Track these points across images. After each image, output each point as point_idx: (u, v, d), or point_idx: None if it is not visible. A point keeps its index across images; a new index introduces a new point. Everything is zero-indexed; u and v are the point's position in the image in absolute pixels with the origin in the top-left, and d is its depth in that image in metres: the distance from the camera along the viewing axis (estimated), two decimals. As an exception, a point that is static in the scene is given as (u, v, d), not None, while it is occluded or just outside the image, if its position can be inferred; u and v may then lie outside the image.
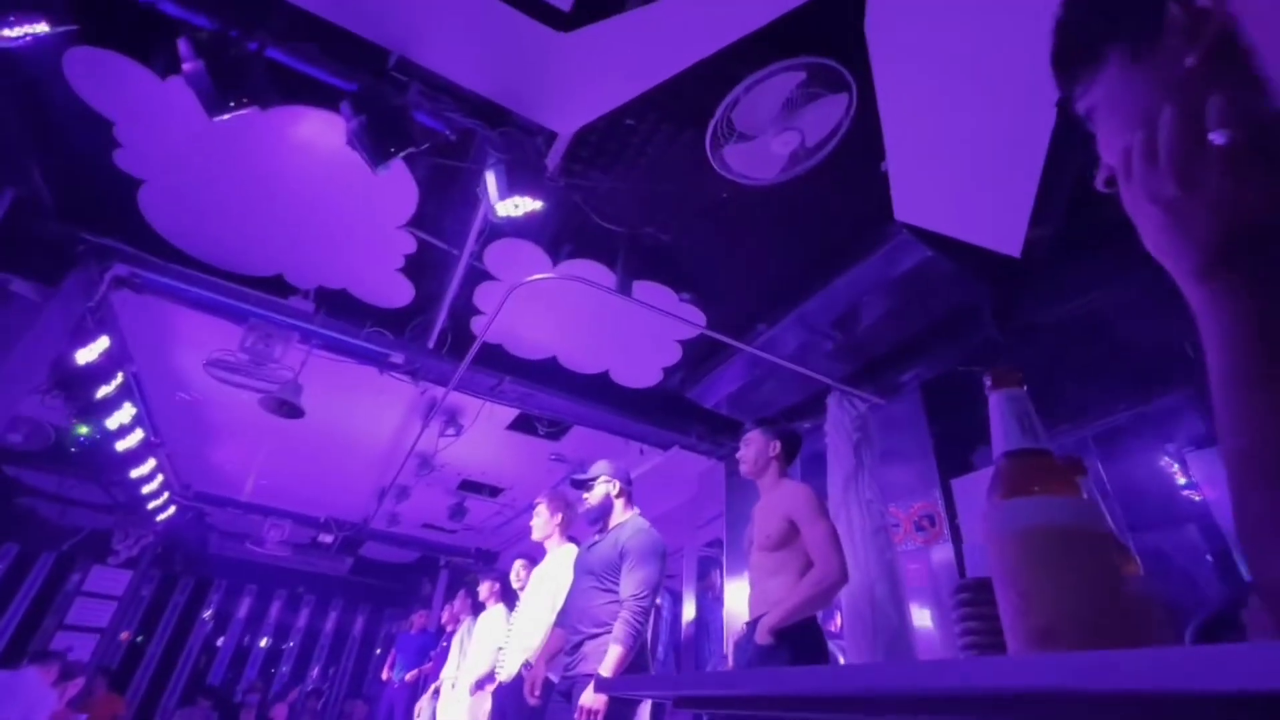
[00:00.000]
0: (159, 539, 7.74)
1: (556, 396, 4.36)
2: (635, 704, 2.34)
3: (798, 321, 3.43)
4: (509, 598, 4.09)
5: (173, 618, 9.01)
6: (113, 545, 7.42)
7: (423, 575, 9.38)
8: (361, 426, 5.31)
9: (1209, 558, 2.47)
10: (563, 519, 3.20)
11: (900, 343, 3.58)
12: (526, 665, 2.93)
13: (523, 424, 5.08)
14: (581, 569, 2.66)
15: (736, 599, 4.26)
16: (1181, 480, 2.74)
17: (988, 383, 0.63)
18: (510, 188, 2.48)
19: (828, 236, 3.08)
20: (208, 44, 2.04)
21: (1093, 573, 0.52)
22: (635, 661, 2.32)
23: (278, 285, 3.61)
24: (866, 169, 2.57)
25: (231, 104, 2.10)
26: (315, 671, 9.86)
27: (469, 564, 8.51)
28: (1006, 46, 2.04)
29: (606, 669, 2.22)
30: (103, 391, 4.17)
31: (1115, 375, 3.05)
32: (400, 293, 3.67)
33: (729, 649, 4.00)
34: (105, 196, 3.04)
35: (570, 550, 3.08)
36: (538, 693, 2.61)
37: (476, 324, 3.81)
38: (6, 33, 2.10)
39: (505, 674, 3.09)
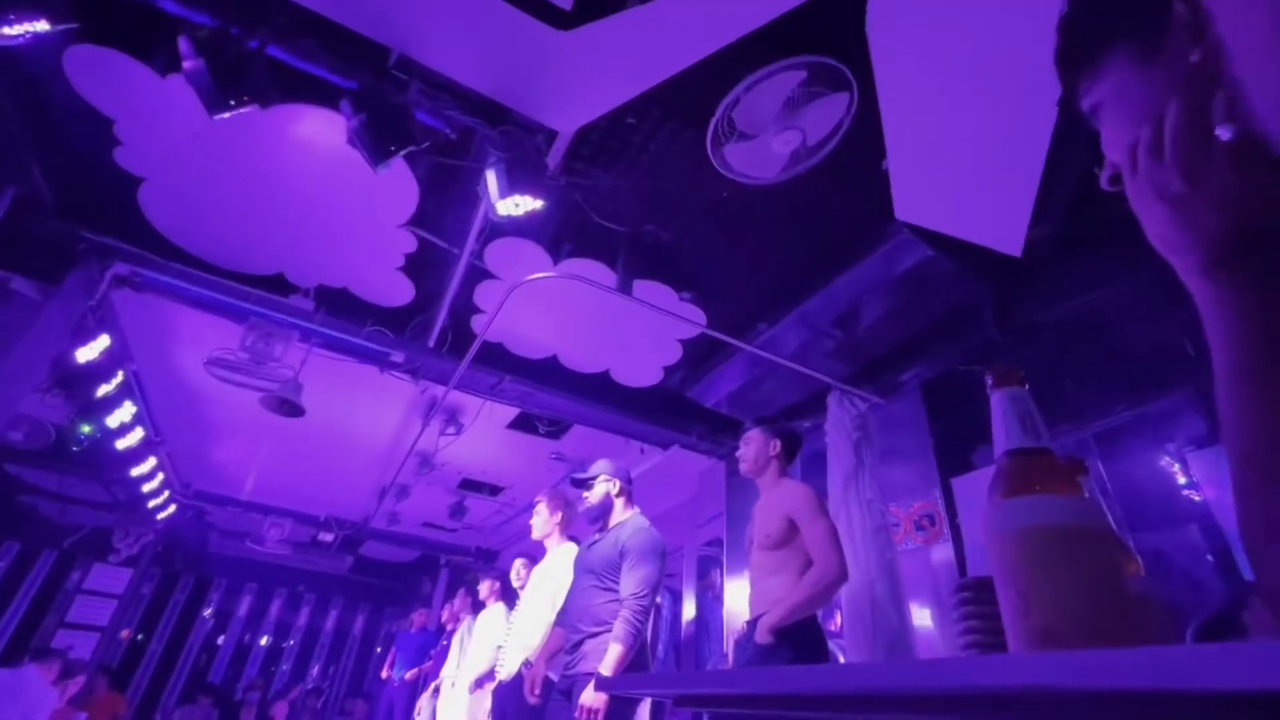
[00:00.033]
0: (159, 537, 7.74)
1: (557, 395, 4.36)
2: (635, 703, 2.34)
3: (798, 320, 3.43)
4: (509, 596, 4.09)
5: (173, 616, 9.02)
6: (113, 543, 7.42)
7: (423, 574, 9.39)
8: (362, 425, 5.31)
9: (1209, 558, 2.47)
10: (562, 518, 3.20)
11: (901, 342, 3.58)
12: (526, 664, 2.94)
13: (523, 423, 5.08)
14: (582, 568, 2.66)
15: (737, 598, 4.26)
16: (1182, 480, 2.74)
17: (989, 381, 0.62)
18: (511, 186, 2.48)
19: (828, 235, 3.08)
20: (208, 42, 2.04)
21: (1094, 572, 0.52)
22: (635, 660, 2.32)
23: (278, 284, 3.61)
24: (867, 168, 2.57)
25: (232, 102, 2.09)
26: (315, 670, 9.87)
27: (469, 563, 8.52)
28: (1007, 45, 2.04)
29: (607, 668, 2.22)
30: (103, 390, 4.17)
31: (1116, 375, 3.04)
32: (401, 291, 3.67)
33: (729, 648, 4.00)
34: (106, 195, 3.04)
35: (570, 549, 3.09)
36: (538, 691, 2.61)
37: (477, 323, 3.81)
38: (7, 30, 2.10)
39: (505, 672, 3.10)
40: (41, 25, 2.15)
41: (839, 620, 3.74)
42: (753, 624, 2.23)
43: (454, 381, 3.96)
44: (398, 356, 3.97)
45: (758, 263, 3.34)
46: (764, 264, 3.34)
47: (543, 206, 2.60)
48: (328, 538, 7.72)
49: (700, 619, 5.45)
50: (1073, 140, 2.26)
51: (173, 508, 6.89)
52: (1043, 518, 0.54)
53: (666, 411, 4.63)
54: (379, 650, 10.03)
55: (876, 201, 2.66)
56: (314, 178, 2.97)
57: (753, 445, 2.52)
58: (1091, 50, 0.52)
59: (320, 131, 2.70)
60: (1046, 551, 0.53)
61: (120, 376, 4.21)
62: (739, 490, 4.58)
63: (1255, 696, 0.30)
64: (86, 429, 4.76)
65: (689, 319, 3.54)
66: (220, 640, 9.42)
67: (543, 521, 3.19)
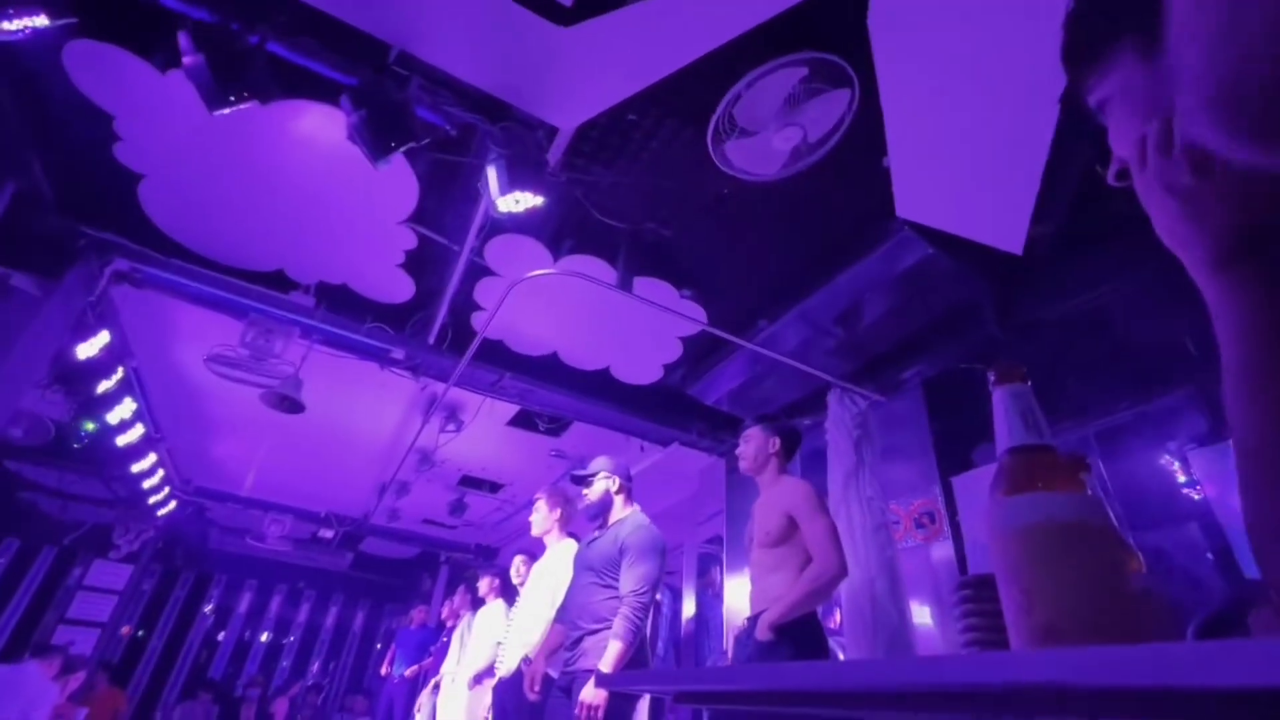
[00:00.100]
0: (160, 534, 7.75)
1: (557, 393, 4.36)
2: (635, 700, 2.34)
3: (799, 318, 3.43)
4: (509, 593, 4.10)
5: (174, 612, 9.04)
6: (114, 540, 7.43)
7: (423, 571, 9.40)
8: (362, 422, 5.32)
9: (1210, 556, 2.46)
10: (561, 514, 3.20)
11: (902, 340, 3.58)
12: (526, 660, 2.94)
13: (523, 420, 5.08)
14: (581, 565, 2.67)
15: (737, 595, 4.27)
16: (1182, 478, 2.74)
17: (992, 378, 0.62)
18: (511, 183, 2.47)
19: (829, 233, 3.08)
20: (208, 37, 2.03)
21: (1096, 570, 0.52)
22: (635, 657, 2.32)
23: (278, 280, 3.60)
24: (868, 165, 2.57)
25: (232, 98, 2.09)
26: (316, 666, 9.90)
27: (469, 559, 8.53)
28: (1010, 42, 2.04)
29: (606, 664, 2.23)
30: (103, 386, 4.17)
31: (1117, 373, 3.04)
32: (401, 288, 3.66)
33: (729, 645, 4.01)
34: (106, 191, 3.04)
35: (570, 546, 3.09)
36: (537, 688, 2.61)
37: (477, 320, 3.80)
38: (6, 25, 2.09)
39: (505, 669, 3.10)
40: (41, 20, 2.14)
41: (839, 618, 3.74)
42: (753, 621, 2.23)
43: (454, 378, 3.96)
44: (398, 353, 3.97)
45: (758, 260, 3.33)
46: (765, 261, 3.33)
47: (543, 203, 2.59)
48: (328, 534, 7.73)
49: (700, 616, 5.46)
50: (1075, 137, 2.26)
51: (173, 504, 6.89)
52: (1045, 515, 0.53)
53: (667, 409, 4.63)
54: (379, 647, 10.05)
55: (878, 199, 2.66)
56: (314, 174, 2.96)
57: (752, 443, 2.52)
58: (1098, 46, 0.52)
59: (320, 127, 2.70)
60: (1049, 549, 0.52)
61: (120, 373, 4.21)
62: (739, 488, 4.58)
63: (1256, 694, 0.30)
64: (90, 426, 4.76)
65: (689, 316, 3.54)
66: (221, 637, 9.44)
67: (542, 518, 3.20)
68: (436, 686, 4.75)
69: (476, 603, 4.71)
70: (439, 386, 4.24)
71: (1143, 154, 0.46)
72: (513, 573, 4.10)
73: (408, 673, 5.81)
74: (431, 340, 3.83)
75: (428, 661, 5.66)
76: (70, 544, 7.58)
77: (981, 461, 3.28)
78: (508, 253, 3.32)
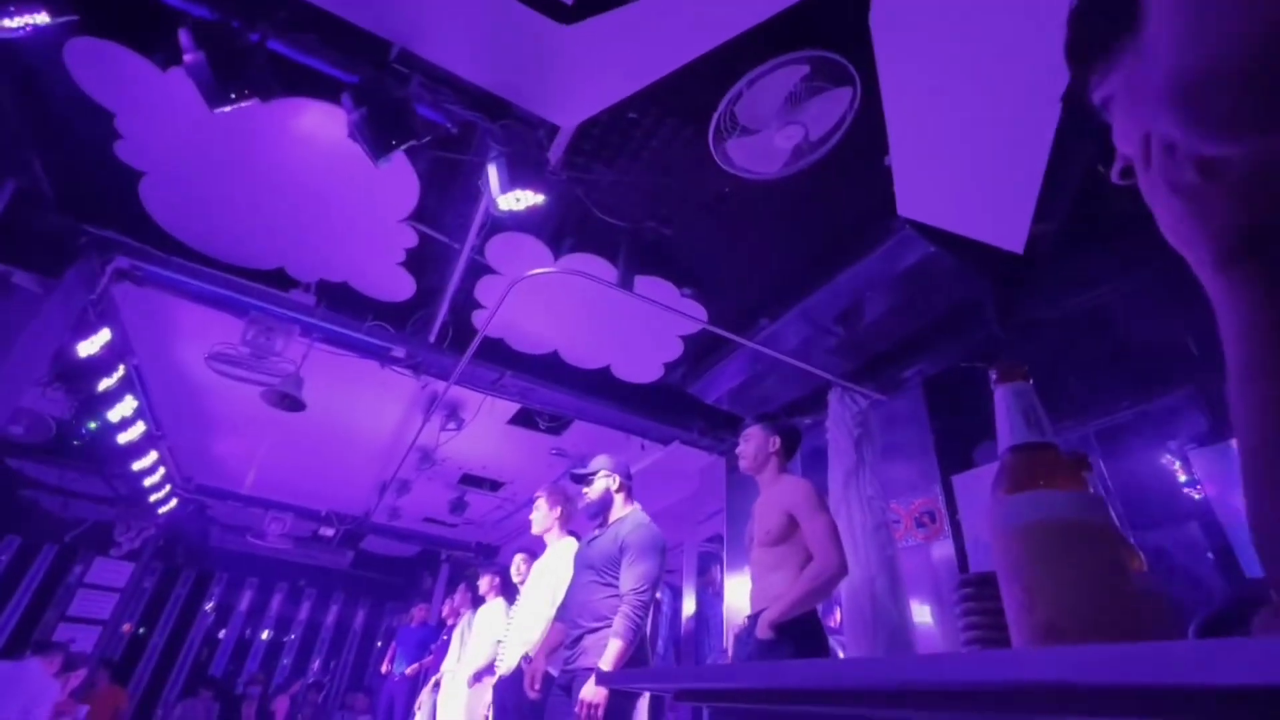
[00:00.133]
0: (161, 531, 7.76)
1: (557, 391, 4.36)
2: (634, 698, 2.34)
3: (800, 317, 3.43)
4: (509, 591, 4.10)
5: (175, 610, 9.06)
6: (114, 537, 7.44)
7: (423, 569, 9.41)
8: (363, 420, 5.32)
9: (1210, 555, 2.46)
10: (561, 512, 3.20)
11: (902, 338, 3.57)
12: (526, 658, 2.94)
13: (524, 419, 5.08)
14: (581, 563, 2.67)
15: (737, 594, 4.27)
16: (1183, 478, 2.74)
17: (994, 376, 0.62)
18: (512, 181, 2.47)
19: (830, 231, 3.07)
20: (209, 35, 2.03)
21: (1098, 568, 0.52)
22: (635, 655, 2.32)
23: (279, 278, 3.61)
24: (870, 164, 2.56)
25: (232, 95, 2.09)
26: (316, 664, 9.91)
27: (470, 558, 8.54)
28: (1012, 41, 2.03)
29: (606, 663, 2.23)
30: (104, 384, 4.17)
31: (1118, 372, 3.04)
32: (402, 286, 3.66)
33: (729, 644, 4.01)
34: (106, 188, 3.04)
35: (570, 544, 3.09)
36: (537, 686, 2.61)
37: (478, 318, 3.80)
38: (7, 23, 2.09)
39: (505, 667, 3.10)
40: (42, 18, 2.14)
41: (839, 616, 3.75)
42: (753, 619, 2.23)
43: (455, 377, 3.96)
44: (399, 351, 3.97)
45: (759, 258, 3.33)
46: (765, 260, 3.33)
47: (544, 201, 2.59)
48: (329, 532, 7.73)
49: (700, 615, 5.47)
50: (1077, 135, 2.25)
51: (174, 502, 6.90)
52: (1047, 513, 0.53)
53: (667, 407, 4.63)
54: (380, 645, 10.06)
55: (879, 197, 2.65)
56: (315, 172, 2.96)
57: (752, 442, 2.52)
58: (1101, 43, 0.52)
59: (321, 125, 2.70)
60: (1050, 547, 0.52)
61: (121, 370, 4.21)
62: (739, 486, 4.58)
63: (1257, 692, 0.30)
64: (93, 425, 4.77)
65: (690, 315, 3.54)
66: (221, 634, 9.45)
67: (542, 516, 3.20)
68: (437, 684, 4.76)
69: (477, 601, 4.71)
70: (440, 385, 4.24)
71: (1147, 152, 0.46)
72: (513, 571, 4.10)
73: (408, 671, 5.82)
74: (432, 338, 3.83)
75: (428, 659, 5.67)
76: (71, 541, 7.60)
77: (982, 461, 3.28)
78: (508, 251, 3.32)
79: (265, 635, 9.78)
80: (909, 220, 2.74)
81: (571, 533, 3.26)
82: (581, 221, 3.12)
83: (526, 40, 2.21)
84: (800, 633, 2.12)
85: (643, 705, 2.42)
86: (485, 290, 3.61)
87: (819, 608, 2.25)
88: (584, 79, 2.35)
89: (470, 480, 6.45)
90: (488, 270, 3.47)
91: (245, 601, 9.76)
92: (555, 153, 2.66)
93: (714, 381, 4.19)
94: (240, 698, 8.22)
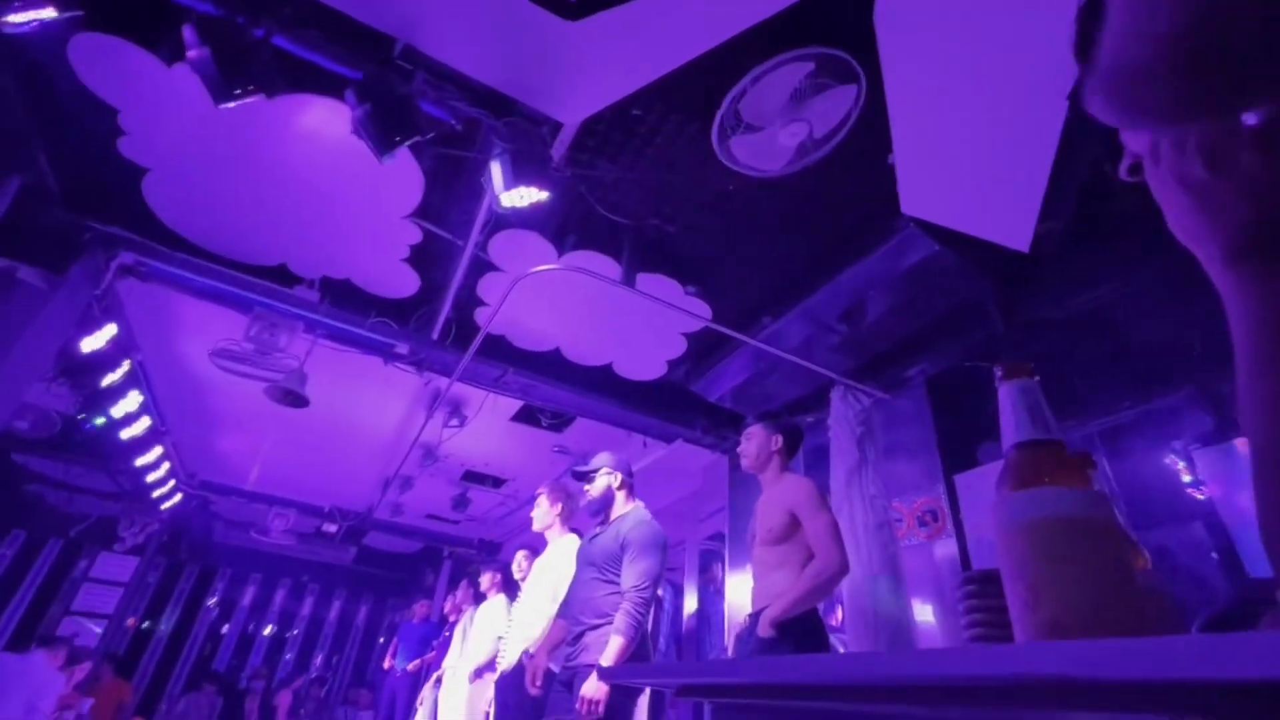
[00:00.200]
0: (165, 526, 7.80)
1: (560, 388, 4.36)
2: (635, 695, 2.35)
3: (803, 315, 3.42)
4: (511, 588, 4.11)
5: (178, 605, 9.10)
6: (119, 532, 7.48)
7: (426, 565, 9.44)
8: (366, 417, 5.33)
9: (1214, 555, 2.46)
10: (563, 509, 3.20)
11: (906, 337, 3.57)
12: (527, 654, 2.95)
13: (526, 415, 5.09)
14: (583, 560, 2.67)
15: (738, 592, 4.27)
16: (1187, 478, 2.73)
17: (999, 374, 0.62)
18: (515, 178, 2.47)
19: (834, 229, 3.07)
20: (213, 31, 2.03)
21: (1102, 566, 0.52)
22: (637, 652, 2.32)
23: (282, 275, 3.61)
24: (874, 162, 2.56)
25: (237, 91, 2.09)
26: (319, 659, 9.94)
27: (472, 554, 8.55)
28: (1017, 38, 2.02)
29: (608, 659, 2.23)
30: (109, 379, 4.19)
31: (1121, 371, 3.03)
32: (405, 283, 3.67)
33: (730, 642, 4.01)
34: (111, 185, 3.05)
35: (572, 541, 3.09)
36: (539, 683, 2.62)
37: (481, 315, 3.81)
38: (12, 18, 2.09)
39: (506, 663, 3.11)
40: (47, 13, 2.14)
41: (840, 615, 3.75)
42: (754, 618, 2.23)
43: (458, 373, 3.97)
44: (402, 348, 3.98)
45: (762, 256, 3.32)
46: (769, 258, 3.32)
47: (547, 198, 2.59)
48: (331, 528, 7.76)
49: (702, 612, 5.47)
50: (1083, 134, 2.24)
51: (178, 497, 6.93)
52: (1052, 509, 0.53)
53: (670, 405, 4.63)
54: (382, 641, 10.09)
55: (883, 195, 2.65)
56: (319, 168, 2.97)
57: (754, 441, 2.52)
58: None
59: (325, 121, 2.70)
60: (1055, 544, 0.52)
61: (126, 366, 4.23)
62: (742, 485, 4.58)
63: (1260, 686, 0.30)
64: (100, 421, 4.78)
65: (693, 312, 3.54)
66: (225, 629, 9.49)
67: (543, 513, 3.20)
68: (439, 680, 4.78)
69: (479, 597, 4.73)
70: (442, 381, 4.25)
71: (1156, 148, 0.46)
72: (515, 568, 4.11)
73: (410, 666, 5.84)
74: (435, 335, 3.83)
75: (430, 655, 5.69)
76: (76, 536, 7.63)
77: (985, 459, 3.27)
78: (512, 248, 3.32)
79: (268, 630, 9.82)
80: (913, 218, 2.73)
81: (573, 530, 3.26)
82: (585, 218, 3.12)
83: (530, 36, 2.21)
84: (801, 631, 2.12)
85: (643, 703, 2.43)
86: (488, 287, 3.61)
87: (820, 606, 2.25)
88: (588, 75, 2.35)
89: (473, 477, 6.46)
90: (491, 267, 3.47)
91: (248, 597, 9.80)
92: (559, 149, 2.66)
93: (717, 379, 4.18)
94: (243, 692, 8.27)
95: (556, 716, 2.43)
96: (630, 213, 3.07)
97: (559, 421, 5.15)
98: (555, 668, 2.63)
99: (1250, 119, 0.40)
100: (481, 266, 3.45)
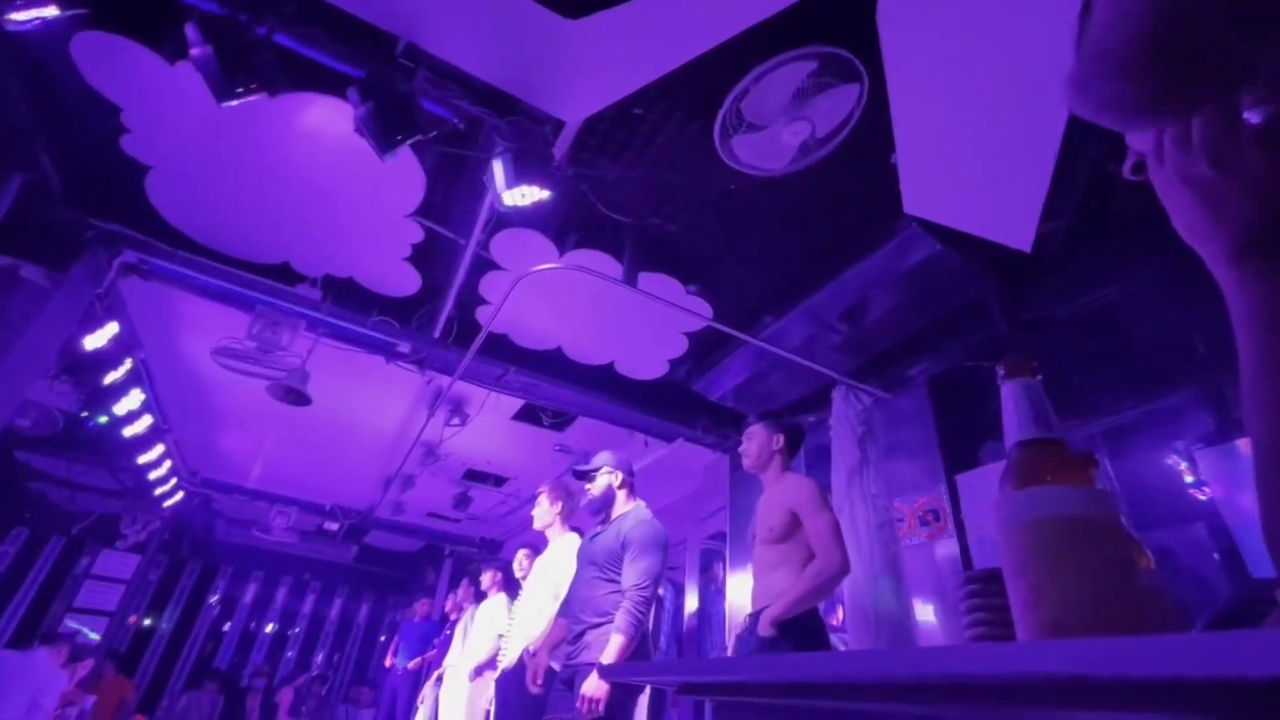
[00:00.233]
0: (166, 524, 7.81)
1: (561, 387, 4.37)
2: (636, 693, 2.35)
3: (805, 314, 3.42)
4: (512, 587, 4.11)
5: (180, 602, 9.12)
6: (121, 530, 7.49)
7: (427, 564, 9.45)
8: (368, 415, 5.34)
9: (1216, 556, 2.45)
10: (563, 508, 3.21)
11: (907, 337, 3.56)
12: (528, 653, 2.96)
13: (528, 414, 5.09)
14: (584, 559, 2.67)
15: (739, 591, 4.27)
16: (1189, 478, 2.72)
17: (1001, 372, 0.62)
18: (517, 177, 2.47)
19: (836, 229, 3.06)
20: (216, 29, 2.03)
21: (1104, 565, 0.51)
22: (637, 651, 2.33)
23: (285, 273, 3.62)
24: (876, 161, 2.55)
25: (240, 90, 2.09)
26: (320, 657, 9.97)
27: (473, 553, 8.56)
28: (1020, 37, 2.02)
29: (609, 658, 2.23)
30: (111, 377, 4.19)
31: (1124, 371, 3.02)
32: (407, 282, 3.67)
33: (730, 641, 4.02)
34: (113, 182, 3.05)
35: (573, 540, 3.10)
36: (540, 681, 2.62)
37: (482, 314, 3.81)
38: (15, 16, 2.10)
39: (507, 661, 3.12)
40: (50, 11, 2.15)
41: (841, 615, 3.75)
42: (755, 617, 2.23)
43: (459, 372, 3.97)
44: (404, 347, 3.98)
45: (764, 256, 3.32)
46: (770, 257, 3.32)
47: (549, 197, 2.59)
48: (333, 526, 7.77)
49: (702, 611, 5.47)
50: (1086, 133, 2.24)
51: (180, 495, 6.94)
52: (1054, 508, 0.53)
53: (671, 405, 4.63)
54: (383, 639, 10.11)
55: (885, 194, 2.64)
56: (321, 166, 2.97)
57: (755, 440, 2.52)
58: None
59: (328, 120, 2.70)
60: (1057, 543, 0.52)
61: (128, 364, 4.23)
62: (743, 484, 4.58)
63: (1264, 685, 0.30)
64: (102, 419, 4.79)
65: (695, 312, 3.53)
66: (226, 627, 9.51)
67: (544, 512, 3.21)
68: (440, 679, 4.78)
69: (479, 596, 4.73)
70: (444, 380, 4.25)
71: (1160, 147, 0.46)
72: (515, 566, 4.12)
73: (411, 665, 5.85)
74: (437, 334, 3.84)
75: (431, 654, 5.70)
76: (78, 533, 7.65)
77: (987, 459, 3.27)
78: (513, 247, 3.32)
79: (270, 628, 9.84)
80: (915, 218, 2.73)
81: (574, 529, 3.27)
82: (586, 217, 3.12)
83: (532, 35, 2.21)
84: (801, 631, 2.12)
85: (643, 701, 2.43)
86: (490, 286, 3.62)
87: (820, 606, 2.25)
88: (590, 74, 2.34)
89: (474, 476, 6.46)
90: (493, 266, 3.47)
91: (250, 594, 9.82)
92: (560, 148, 2.66)
93: (718, 378, 4.18)
94: (245, 690, 8.29)
95: (557, 715, 2.44)
96: (632, 212, 3.07)
97: (560, 420, 5.15)
98: (556, 666, 2.63)
99: (1254, 117, 0.40)
100: (483, 265, 3.45)
